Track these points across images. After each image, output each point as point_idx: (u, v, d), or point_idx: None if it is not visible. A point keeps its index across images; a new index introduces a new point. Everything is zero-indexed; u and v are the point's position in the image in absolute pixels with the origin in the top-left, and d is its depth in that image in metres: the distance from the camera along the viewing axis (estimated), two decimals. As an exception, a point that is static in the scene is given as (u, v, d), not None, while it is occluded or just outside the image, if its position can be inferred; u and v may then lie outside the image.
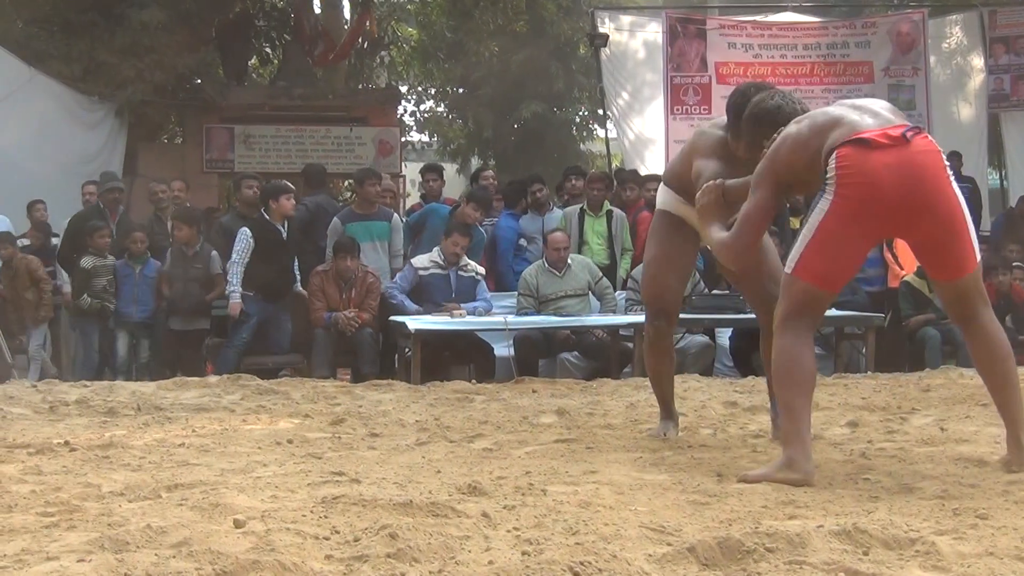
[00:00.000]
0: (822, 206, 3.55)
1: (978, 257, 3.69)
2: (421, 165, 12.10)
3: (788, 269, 3.67)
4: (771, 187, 3.80)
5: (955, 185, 3.60)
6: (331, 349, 8.66)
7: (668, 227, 4.63)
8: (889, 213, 3.51)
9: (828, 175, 3.54)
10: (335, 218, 9.48)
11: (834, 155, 3.55)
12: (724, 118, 4.42)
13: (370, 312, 8.74)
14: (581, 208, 9.94)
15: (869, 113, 3.66)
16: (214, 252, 9.20)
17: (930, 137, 3.66)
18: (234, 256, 8.69)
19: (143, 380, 8.07)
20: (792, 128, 3.78)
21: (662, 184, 4.74)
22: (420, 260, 8.87)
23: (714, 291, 9.02)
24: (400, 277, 8.87)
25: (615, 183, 11.53)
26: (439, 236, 9.03)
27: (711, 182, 4.08)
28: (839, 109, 3.75)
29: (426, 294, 8.72)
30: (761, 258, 4.59)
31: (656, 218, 4.71)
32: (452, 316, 8.22)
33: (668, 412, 4.84)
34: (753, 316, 8.13)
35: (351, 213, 9.45)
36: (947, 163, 3.62)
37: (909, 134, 3.53)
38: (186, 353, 9.15)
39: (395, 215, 9.61)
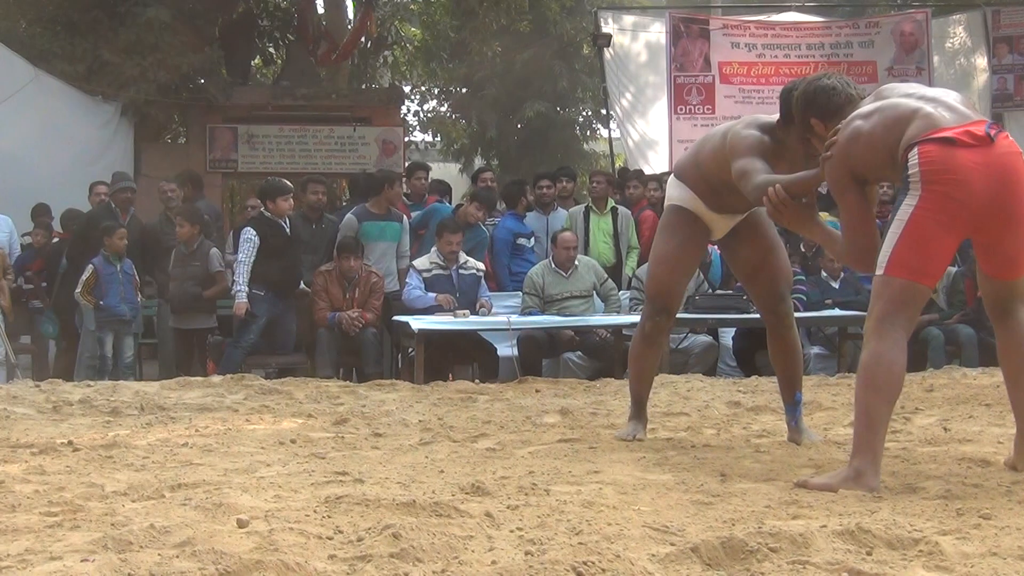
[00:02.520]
0: (909, 202, 3.45)
1: None
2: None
3: (880, 270, 3.53)
4: (853, 186, 3.71)
5: None
6: (335, 349, 8.67)
7: (679, 223, 4.56)
8: (974, 211, 3.42)
9: (910, 171, 3.44)
10: (349, 214, 9.49)
11: (915, 151, 3.44)
12: (754, 118, 4.36)
13: (373, 312, 8.74)
14: (586, 207, 9.95)
15: (944, 107, 3.56)
16: (213, 249, 9.22)
17: (1010, 136, 3.58)
18: (240, 256, 8.69)
19: (129, 380, 8.08)
20: (863, 125, 3.66)
21: (673, 178, 4.66)
22: (421, 262, 8.87)
23: (718, 291, 9.03)
24: (411, 279, 8.80)
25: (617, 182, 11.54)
26: None
27: (772, 191, 3.92)
28: (911, 102, 3.63)
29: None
30: (769, 256, 4.58)
31: (667, 213, 4.64)
32: (456, 316, 8.22)
33: (640, 413, 4.76)
34: (757, 316, 8.22)
35: (366, 212, 9.46)
36: None
37: (992, 132, 3.46)
38: (188, 352, 9.19)
39: (405, 216, 9.62)
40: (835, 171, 3.72)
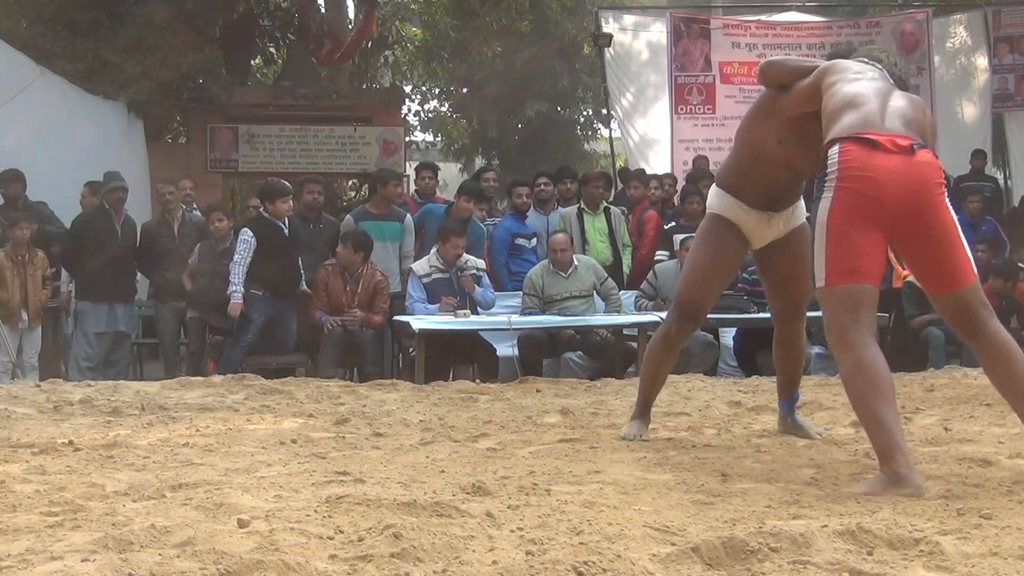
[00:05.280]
0: (824, 206, 3.53)
1: (975, 268, 3.65)
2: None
3: (820, 283, 3.56)
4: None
5: (947, 200, 3.58)
6: (337, 349, 8.63)
7: (716, 231, 4.54)
8: (890, 212, 3.48)
9: (829, 168, 3.52)
10: (348, 216, 9.50)
11: (837, 147, 3.53)
12: None
13: (381, 315, 8.73)
14: (579, 208, 9.91)
15: (888, 112, 3.63)
16: None
17: (932, 152, 3.63)
18: (236, 257, 8.70)
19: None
20: (838, 65, 3.88)
21: (713, 186, 4.66)
22: (420, 267, 8.78)
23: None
24: (413, 289, 8.73)
25: (619, 182, 11.53)
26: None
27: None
28: (871, 92, 3.71)
29: (432, 299, 8.65)
30: (800, 275, 4.55)
31: (706, 220, 4.63)
32: (456, 316, 8.20)
33: (644, 414, 4.74)
34: (757, 316, 8.23)
35: (365, 212, 9.46)
36: (942, 179, 3.61)
37: (915, 146, 3.51)
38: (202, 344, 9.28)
39: (408, 216, 9.59)
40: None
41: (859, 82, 3.77)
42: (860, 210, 3.47)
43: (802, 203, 4.65)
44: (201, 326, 9.31)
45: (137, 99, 13.13)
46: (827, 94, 3.80)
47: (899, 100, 3.75)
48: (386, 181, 9.55)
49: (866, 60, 4.03)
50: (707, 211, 4.67)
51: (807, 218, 4.69)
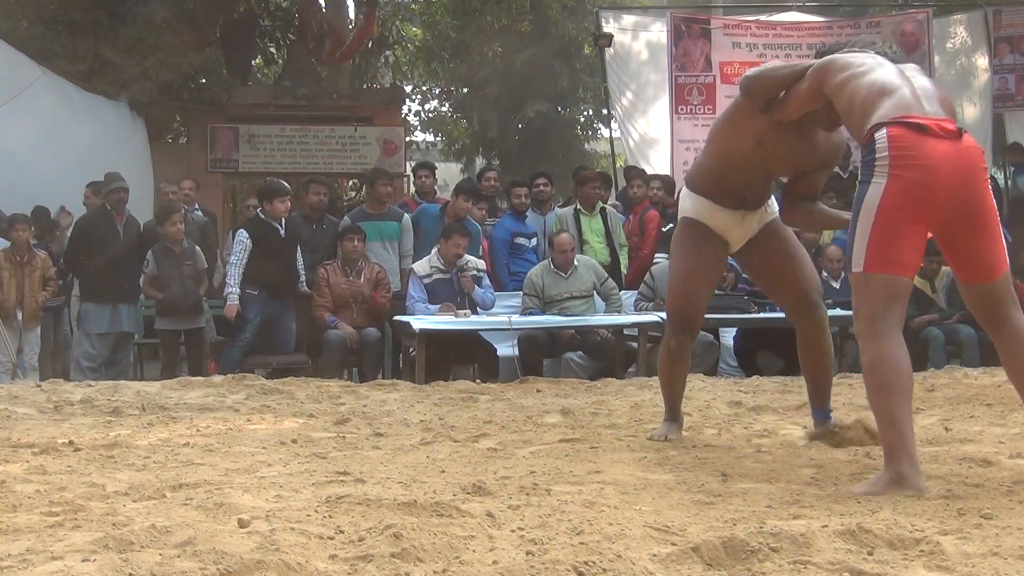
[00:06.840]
0: (874, 191, 3.40)
1: (1007, 257, 3.58)
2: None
3: (857, 268, 3.45)
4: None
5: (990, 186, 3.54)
6: (343, 350, 8.59)
7: (694, 238, 4.46)
8: (941, 200, 3.38)
9: (878, 153, 3.40)
10: (346, 216, 9.52)
11: (884, 131, 3.42)
12: None
13: (387, 301, 8.73)
14: (575, 209, 9.90)
15: (925, 97, 3.55)
16: (197, 248, 9.24)
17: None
18: (232, 258, 8.70)
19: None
20: (852, 60, 3.78)
21: (684, 189, 4.58)
22: (421, 267, 8.76)
23: (718, 291, 9.00)
24: (414, 289, 8.70)
25: (623, 180, 11.50)
26: (433, 236, 9.01)
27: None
28: (894, 76, 3.64)
29: (433, 300, 8.65)
30: (791, 263, 4.50)
31: (682, 228, 4.54)
32: (457, 316, 8.20)
33: (673, 414, 4.76)
34: (758, 316, 8.23)
35: (362, 213, 9.47)
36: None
37: (961, 131, 3.47)
38: (176, 354, 9.23)
39: (406, 215, 9.58)
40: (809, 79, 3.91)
41: (875, 71, 3.68)
42: (912, 200, 3.36)
43: (774, 201, 4.59)
44: (175, 338, 9.21)
45: (138, 99, 13.13)
46: (846, 91, 3.69)
47: (920, 78, 3.68)
48: (374, 181, 9.58)
49: (859, 49, 3.95)
50: (679, 216, 4.60)
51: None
